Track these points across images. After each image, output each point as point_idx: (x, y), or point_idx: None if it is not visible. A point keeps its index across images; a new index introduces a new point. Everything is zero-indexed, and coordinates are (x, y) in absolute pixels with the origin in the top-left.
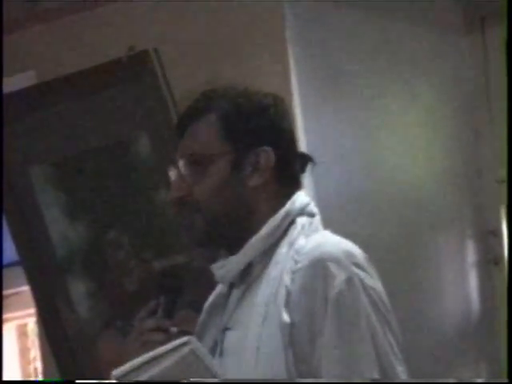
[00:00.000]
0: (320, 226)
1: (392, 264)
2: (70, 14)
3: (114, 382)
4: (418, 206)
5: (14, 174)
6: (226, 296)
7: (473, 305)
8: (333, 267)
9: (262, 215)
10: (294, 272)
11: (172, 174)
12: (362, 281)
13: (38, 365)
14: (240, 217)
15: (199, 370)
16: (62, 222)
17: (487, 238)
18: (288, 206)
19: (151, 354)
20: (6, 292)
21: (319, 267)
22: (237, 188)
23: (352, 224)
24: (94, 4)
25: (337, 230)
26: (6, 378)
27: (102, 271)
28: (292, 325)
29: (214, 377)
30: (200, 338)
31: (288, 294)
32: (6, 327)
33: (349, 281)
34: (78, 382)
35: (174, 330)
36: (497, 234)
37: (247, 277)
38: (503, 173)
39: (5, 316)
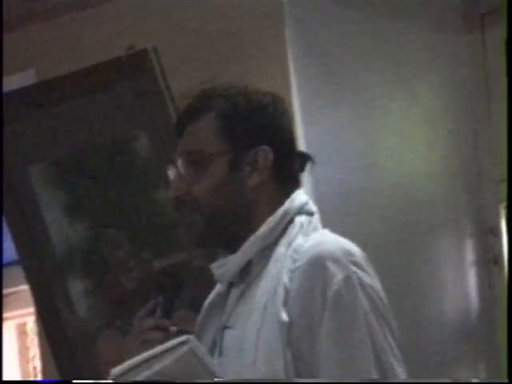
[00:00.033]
0: (319, 225)
1: (391, 263)
2: (69, 13)
3: (114, 382)
4: (417, 205)
5: (14, 173)
6: (225, 295)
7: (472, 304)
8: (331, 266)
9: (261, 214)
10: (292, 271)
11: (171, 172)
12: (360, 279)
13: (38, 363)
14: (239, 216)
15: (198, 368)
16: (61, 221)
17: (487, 237)
18: (287, 204)
19: (150, 352)
20: (5, 291)
21: (317, 266)
22: (235, 187)
23: (351, 223)
24: (94, 3)
25: (336, 229)
26: (5, 376)
27: (102, 270)
28: (290, 323)
29: (213, 375)
30: (199, 337)
31: (287, 292)
32: (5, 326)
33: (347, 279)
34: (77, 382)
35: (173, 329)
36: (496, 233)
37: (246, 276)
38: (503, 172)
39: (4, 315)
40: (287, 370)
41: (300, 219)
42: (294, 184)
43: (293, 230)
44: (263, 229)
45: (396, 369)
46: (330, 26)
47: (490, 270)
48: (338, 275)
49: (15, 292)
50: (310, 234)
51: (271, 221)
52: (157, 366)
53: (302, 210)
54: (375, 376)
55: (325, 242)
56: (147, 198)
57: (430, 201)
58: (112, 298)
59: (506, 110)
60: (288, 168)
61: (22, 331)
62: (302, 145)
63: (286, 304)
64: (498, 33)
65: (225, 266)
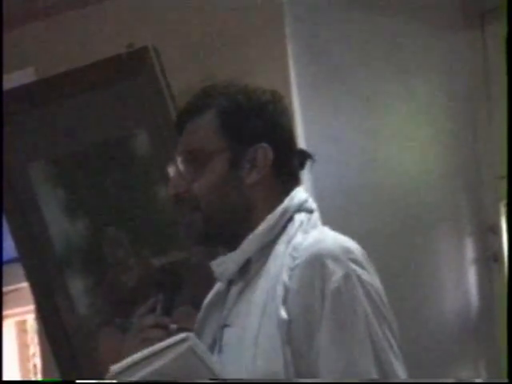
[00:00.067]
0: (318, 222)
1: (390, 260)
2: (69, 11)
3: (113, 382)
4: (416, 203)
5: (14, 171)
6: (224, 293)
7: (472, 302)
8: (330, 263)
9: (261, 212)
10: (291, 269)
11: (171, 170)
12: (359, 277)
13: (38, 361)
14: (238, 213)
15: (197, 366)
16: (61, 219)
17: (486, 234)
18: (286, 202)
19: (149, 350)
20: (5, 289)
21: (317, 264)
22: (235, 185)
23: (350, 220)
24: (94, 0)
25: (335, 227)
26: (5, 374)
27: (101, 268)
28: (290, 321)
29: (213, 373)
30: (199, 334)
31: (286, 290)
32: (5, 324)
33: (346, 277)
34: (77, 382)
35: (173, 327)
36: (496, 230)
37: (246, 274)
38: (503, 169)
39: (4, 312)
40: (287, 368)
41: (299, 217)
42: (293, 182)
43: (292, 227)
44: (262, 226)
45: (395, 366)
46: (330, 24)
47: (489, 268)
48: (337, 273)
49: (15, 290)
50: (309, 231)
51: (271, 218)
52: (156, 364)
53: (301, 208)
54: (374, 373)
55: (324, 239)
56: (147, 196)
57: (429, 198)
58: (112, 296)
59: (506, 108)
60: (288, 166)
61: (21, 329)
62: (301, 143)
63: (285, 302)
64: (498, 30)
65: (224, 264)
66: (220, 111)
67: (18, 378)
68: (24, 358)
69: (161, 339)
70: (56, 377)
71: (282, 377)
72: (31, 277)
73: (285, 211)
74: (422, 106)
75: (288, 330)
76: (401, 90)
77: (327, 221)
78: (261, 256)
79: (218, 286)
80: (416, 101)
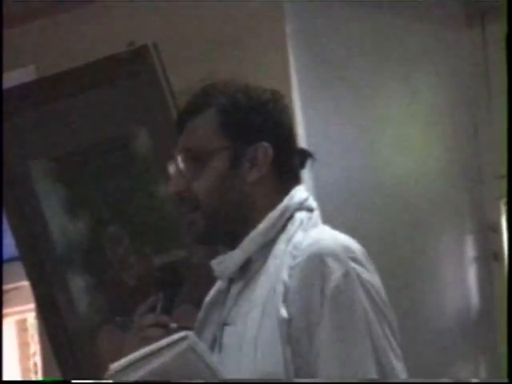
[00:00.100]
0: (319, 221)
1: (391, 259)
2: (70, 9)
3: (113, 382)
4: (417, 202)
5: (14, 169)
6: (225, 292)
7: (472, 300)
8: (330, 262)
9: (261, 210)
10: (292, 267)
11: (171, 169)
12: (359, 275)
13: (38, 360)
14: (238, 212)
15: (197, 365)
16: (61, 217)
17: (487, 233)
18: (286, 201)
19: (148, 348)
20: (5, 287)
21: (317, 262)
22: (235, 183)
23: (351, 219)
24: None
25: (336, 225)
26: (5, 372)
27: (102, 267)
28: (290, 320)
29: (212, 372)
30: (199, 333)
31: (286, 289)
32: (5, 322)
33: (346, 275)
34: (78, 382)
35: (173, 325)
36: (496, 229)
37: (246, 272)
38: (503, 168)
39: (4, 311)
40: (286, 367)
41: (300, 215)
42: (293, 180)
43: (292, 226)
44: (263, 225)
45: (395, 365)
46: (331, 22)
47: (490, 267)
48: (337, 271)
49: (15, 288)
50: (309, 230)
51: (271, 217)
52: (155, 363)
53: (301, 206)
54: (373, 371)
55: (324, 238)
56: (147, 195)
57: (430, 197)
58: (112, 294)
59: (506, 106)
60: (288, 164)
61: (22, 327)
62: (302, 141)
63: (285, 300)
64: (499, 29)
65: (225, 263)
66: (220, 110)
67: (18, 376)
68: (24, 357)
69: (161, 338)
70: (56, 375)
71: (281, 376)
72: (31, 275)
73: (285, 210)
74: (422, 105)
75: (288, 329)
76: (402, 88)
77: (327, 219)
78: (261, 255)
79: (218, 285)
80: (417, 99)
